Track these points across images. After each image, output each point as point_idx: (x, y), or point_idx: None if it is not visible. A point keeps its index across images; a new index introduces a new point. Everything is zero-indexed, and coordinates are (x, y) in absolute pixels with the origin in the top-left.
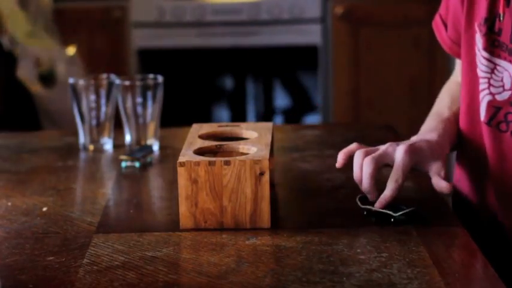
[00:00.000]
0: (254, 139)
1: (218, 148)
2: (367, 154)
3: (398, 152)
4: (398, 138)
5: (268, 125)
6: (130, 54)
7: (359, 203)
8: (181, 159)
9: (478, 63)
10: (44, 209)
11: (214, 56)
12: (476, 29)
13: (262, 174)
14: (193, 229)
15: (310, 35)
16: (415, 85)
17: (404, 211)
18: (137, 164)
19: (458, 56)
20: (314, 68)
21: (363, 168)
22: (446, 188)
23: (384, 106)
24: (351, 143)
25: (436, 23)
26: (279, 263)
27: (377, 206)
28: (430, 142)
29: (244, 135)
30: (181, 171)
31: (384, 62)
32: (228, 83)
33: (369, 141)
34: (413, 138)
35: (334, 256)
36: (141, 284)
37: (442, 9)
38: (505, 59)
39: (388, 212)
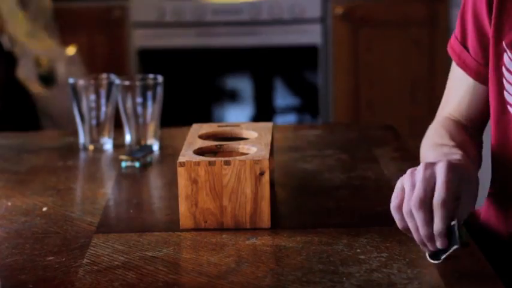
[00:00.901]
0: (254, 139)
1: (218, 148)
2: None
3: (439, 169)
4: (398, 138)
5: (268, 125)
6: (130, 54)
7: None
8: (181, 159)
9: (506, 85)
10: (44, 209)
11: (214, 56)
12: (505, 47)
13: (262, 174)
14: (193, 229)
15: (311, 35)
16: (415, 85)
17: (446, 254)
18: (137, 164)
19: (481, 80)
20: (314, 68)
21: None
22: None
23: (384, 106)
24: (351, 142)
25: (454, 49)
26: (279, 263)
27: (431, 248)
28: (461, 161)
29: (244, 135)
30: (181, 171)
31: (384, 62)
32: (228, 83)
33: (369, 141)
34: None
35: (334, 256)
36: (141, 284)
37: (458, 34)
38: None
39: (431, 252)
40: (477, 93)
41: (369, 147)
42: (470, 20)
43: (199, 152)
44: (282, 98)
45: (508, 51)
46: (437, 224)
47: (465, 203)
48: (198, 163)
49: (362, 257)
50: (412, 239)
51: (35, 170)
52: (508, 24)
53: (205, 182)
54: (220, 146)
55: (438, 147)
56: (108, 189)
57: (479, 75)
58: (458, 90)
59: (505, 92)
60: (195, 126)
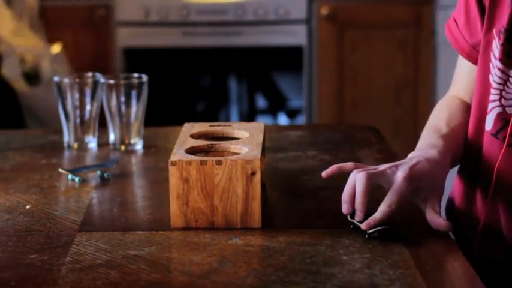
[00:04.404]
0: (246, 139)
1: (210, 148)
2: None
3: (398, 176)
4: (382, 139)
5: (260, 125)
6: (115, 53)
7: (349, 216)
8: (172, 158)
9: (492, 72)
10: (27, 207)
11: (199, 56)
12: (495, 35)
13: (253, 174)
14: (182, 228)
15: (296, 36)
16: (399, 86)
17: (377, 229)
18: (77, 179)
19: (476, 62)
20: (299, 69)
21: (355, 185)
22: (445, 226)
23: (368, 107)
24: (335, 143)
25: (450, 29)
26: (261, 263)
27: (364, 227)
28: (431, 162)
29: (235, 135)
30: (172, 170)
31: (369, 63)
32: (213, 82)
33: (353, 142)
34: (413, 156)
35: (316, 257)
36: (124, 282)
37: (456, 14)
38: None
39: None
40: (474, 74)
41: (352, 148)
42: (464, 6)
43: (191, 151)
44: (266, 98)
45: (497, 39)
46: (378, 215)
47: (431, 193)
48: (189, 162)
49: (344, 258)
50: (395, 240)
51: (19, 167)
52: (500, 13)
53: (197, 181)
54: (212, 145)
55: (432, 132)
56: (92, 188)
57: (471, 57)
58: (460, 70)
59: (490, 76)
60: (186, 125)
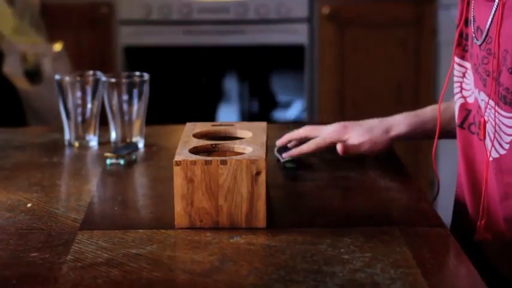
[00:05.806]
0: (249, 139)
1: (213, 147)
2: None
3: (329, 127)
4: None
5: (262, 124)
6: (116, 52)
7: (277, 153)
8: (177, 158)
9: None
10: (29, 205)
11: (201, 54)
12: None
13: (258, 174)
14: (187, 228)
15: (297, 35)
16: (400, 86)
17: (290, 159)
18: (122, 162)
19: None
20: (300, 68)
21: (311, 140)
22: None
23: (369, 106)
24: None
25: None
26: (262, 262)
27: (285, 155)
28: (367, 122)
29: (238, 135)
30: (177, 170)
31: (370, 63)
32: (214, 81)
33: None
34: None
35: (318, 255)
36: (125, 281)
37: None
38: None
39: (279, 156)
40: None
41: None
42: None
43: (194, 151)
44: (268, 97)
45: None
46: (305, 147)
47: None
48: (194, 162)
49: (346, 256)
50: (396, 239)
51: (20, 166)
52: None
53: (201, 181)
54: (216, 145)
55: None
56: (93, 186)
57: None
58: None
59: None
60: (188, 125)
